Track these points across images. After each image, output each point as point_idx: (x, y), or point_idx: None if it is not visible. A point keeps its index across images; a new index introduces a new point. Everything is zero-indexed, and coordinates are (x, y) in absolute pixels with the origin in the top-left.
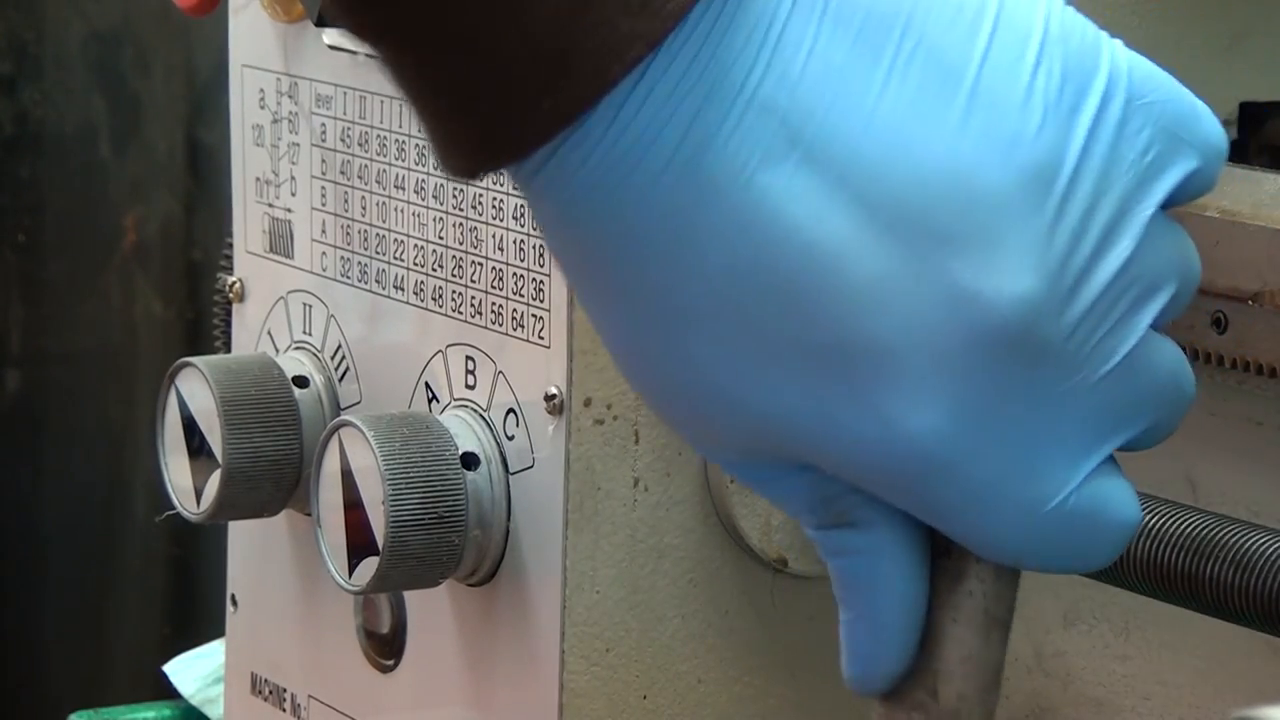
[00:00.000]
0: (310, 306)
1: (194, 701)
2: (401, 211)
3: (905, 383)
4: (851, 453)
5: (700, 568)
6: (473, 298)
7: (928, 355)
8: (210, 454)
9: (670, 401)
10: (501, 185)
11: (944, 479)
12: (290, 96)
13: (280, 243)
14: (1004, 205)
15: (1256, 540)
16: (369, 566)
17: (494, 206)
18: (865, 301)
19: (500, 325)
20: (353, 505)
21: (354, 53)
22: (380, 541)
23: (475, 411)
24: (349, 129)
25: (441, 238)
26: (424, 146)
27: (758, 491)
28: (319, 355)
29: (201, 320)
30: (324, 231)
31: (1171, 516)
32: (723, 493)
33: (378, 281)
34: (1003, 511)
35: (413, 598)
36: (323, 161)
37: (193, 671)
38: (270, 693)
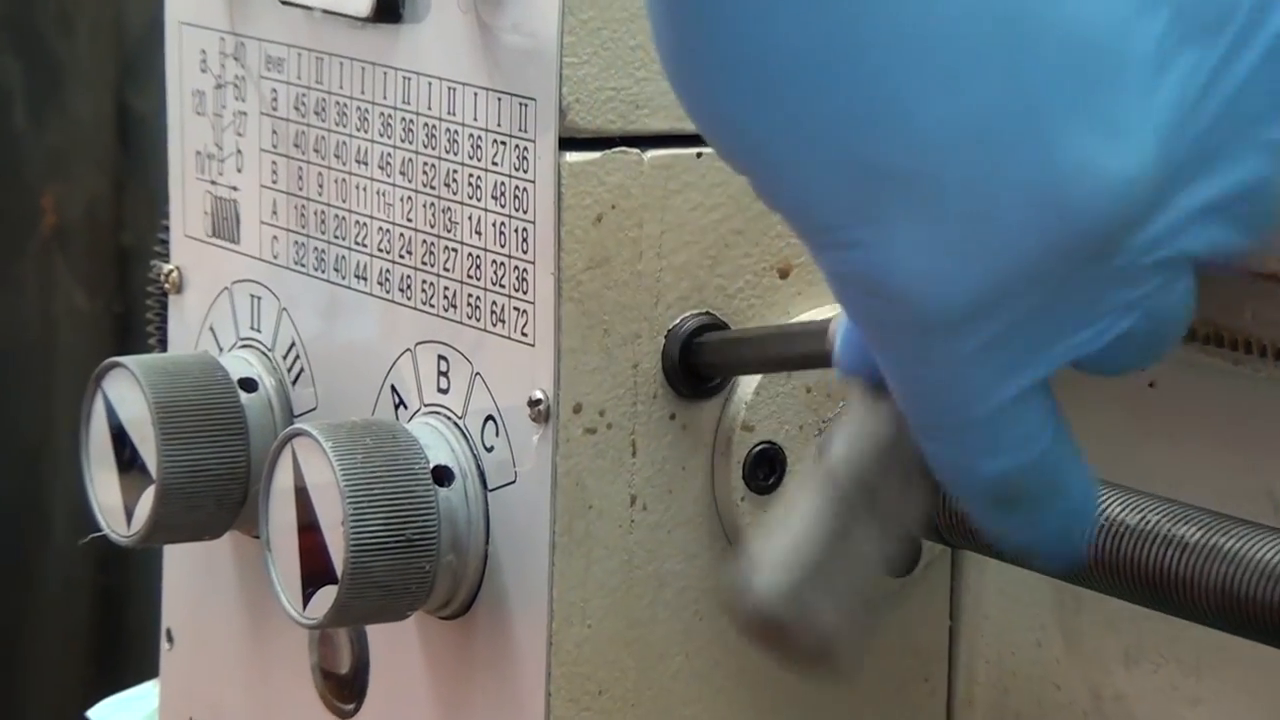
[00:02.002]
0: (259, 299)
1: None
2: (364, 190)
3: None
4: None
5: (707, 598)
6: (446, 289)
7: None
8: (142, 468)
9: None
10: (479, 160)
11: (928, 331)
12: (236, 58)
13: (224, 225)
14: (1146, 84)
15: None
16: (326, 597)
17: (471, 184)
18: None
19: (477, 320)
20: (308, 527)
21: (309, 8)
22: (339, 568)
23: (449, 419)
24: (304, 95)
25: (410, 220)
26: (390, 115)
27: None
28: (269, 355)
29: (132, 314)
30: (275, 213)
31: (1167, 514)
32: (732, 512)
33: (336, 270)
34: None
35: (376, 633)
36: (273, 133)
37: (121, 718)
38: None
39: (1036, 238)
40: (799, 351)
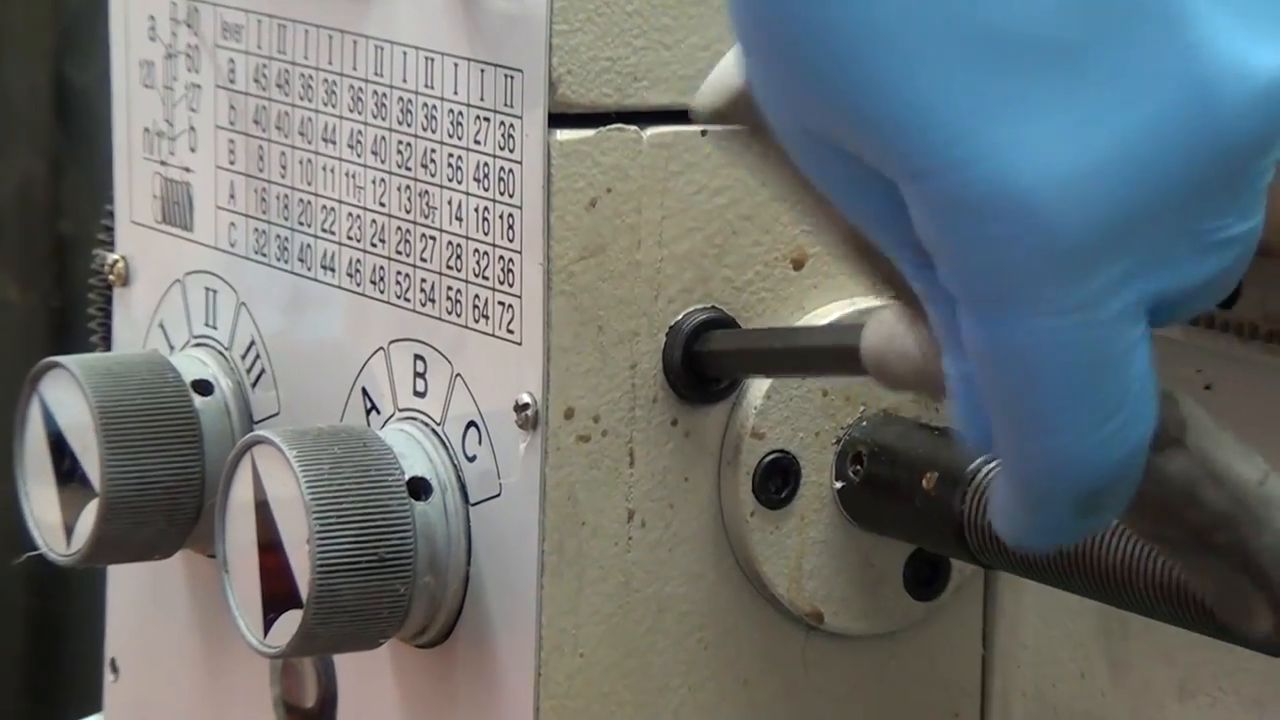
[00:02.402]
0: (215, 292)
1: None
2: (332, 172)
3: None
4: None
5: (712, 624)
6: (423, 281)
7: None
8: (84, 480)
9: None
10: (460, 138)
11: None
12: (188, 25)
13: (176, 211)
14: None
15: None
16: (290, 623)
17: (450, 165)
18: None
19: (458, 316)
20: (269, 545)
21: None
22: (304, 591)
23: (426, 425)
24: (264, 66)
25: (383, 205)
26: (360, 88)
27: (836, 196)
28: (226, 354)
29: (72, 309)
30: (232, 197)
31: None
32: (740, 528)
33: (301, 260)
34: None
35: (346, 662)
36: (231, 108)
37: None
38: None
39: (1184, 143)
40: (824, 348)
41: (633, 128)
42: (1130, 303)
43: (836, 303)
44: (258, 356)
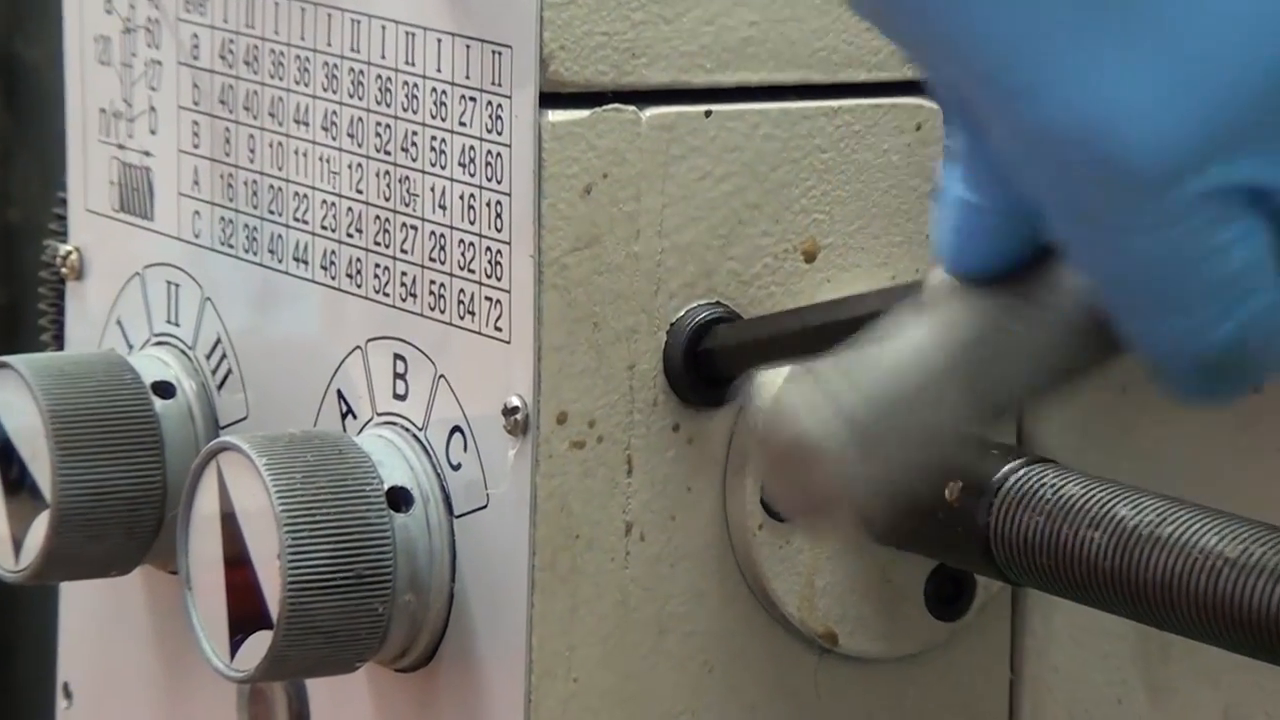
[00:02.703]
0: (177, 286)
1: None
2: (305, 156)
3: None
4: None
5: (718, 646)
6: (403, 274)
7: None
8: (34, 489)
9: None
10: (444, 121)
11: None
12: None
13: (135, 198)
14: None
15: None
16: (258, 645)
17: (433, 149)
18: None
19: (441, 312)
20: (236, 560)
21: None
22: (274, 610)
23: (407, 431)
24: (231, 41)
25: (360, 192)
26: (335, 66)
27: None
28: (189, 353)
29: (20, 305)
30: (196, 183)
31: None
32: (748, 542)
33: (271, 252)
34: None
35: (320, 688)
36: (195, 86)
37: None
38: None
39: (1262, 65)
40: (850, 318)
41: (631, 108)
42: (1233, 203)
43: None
44: (224, 356)
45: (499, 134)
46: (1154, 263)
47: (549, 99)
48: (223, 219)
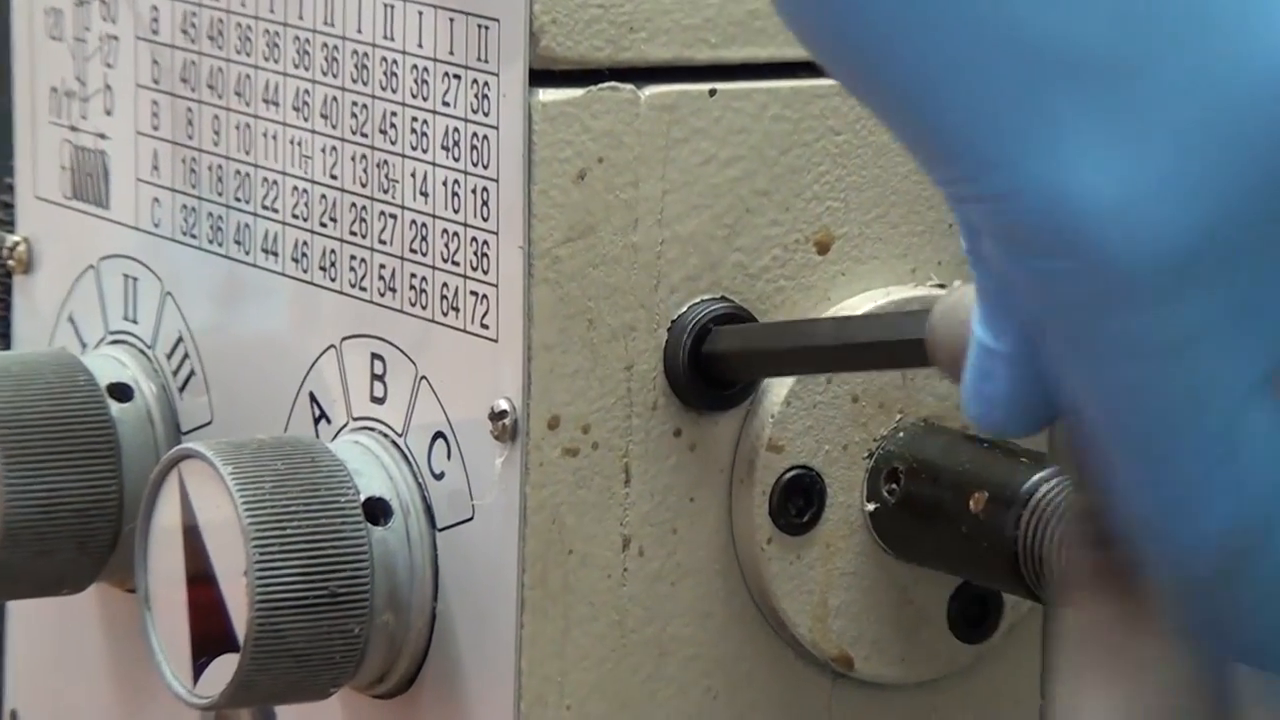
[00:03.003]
0: (135, 280)
1: None
2: (274, 138)
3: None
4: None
5: (722, 670)
6: (382, 267)
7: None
8: None
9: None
10: (425, 100)
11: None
12: None
13: (89, 185)
14: None
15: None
16: (224, 669)
17: (414, 131)
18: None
19: (423, 307)
20: (200, 577)
21: None
22: (241, 631)
23: (385, 437)
24: (193, 14)
25: (335, 177)
26: (308, 41)
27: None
28: (148, 353)
29: None
30: (156, 168)
31: None
32: (756, 558)
33: (238, 243)
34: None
35: (290, 715)
36: (154, 63)
37: None
38: None
39: (1265, 138)
40: (869, 344)
41: (628, 86)
42: (1242, 332)
43: (868, 292)
44: (186, 356)
45: (485, 115)
46: (1157, 394)
47: (539, 77)
48: (185, 207)
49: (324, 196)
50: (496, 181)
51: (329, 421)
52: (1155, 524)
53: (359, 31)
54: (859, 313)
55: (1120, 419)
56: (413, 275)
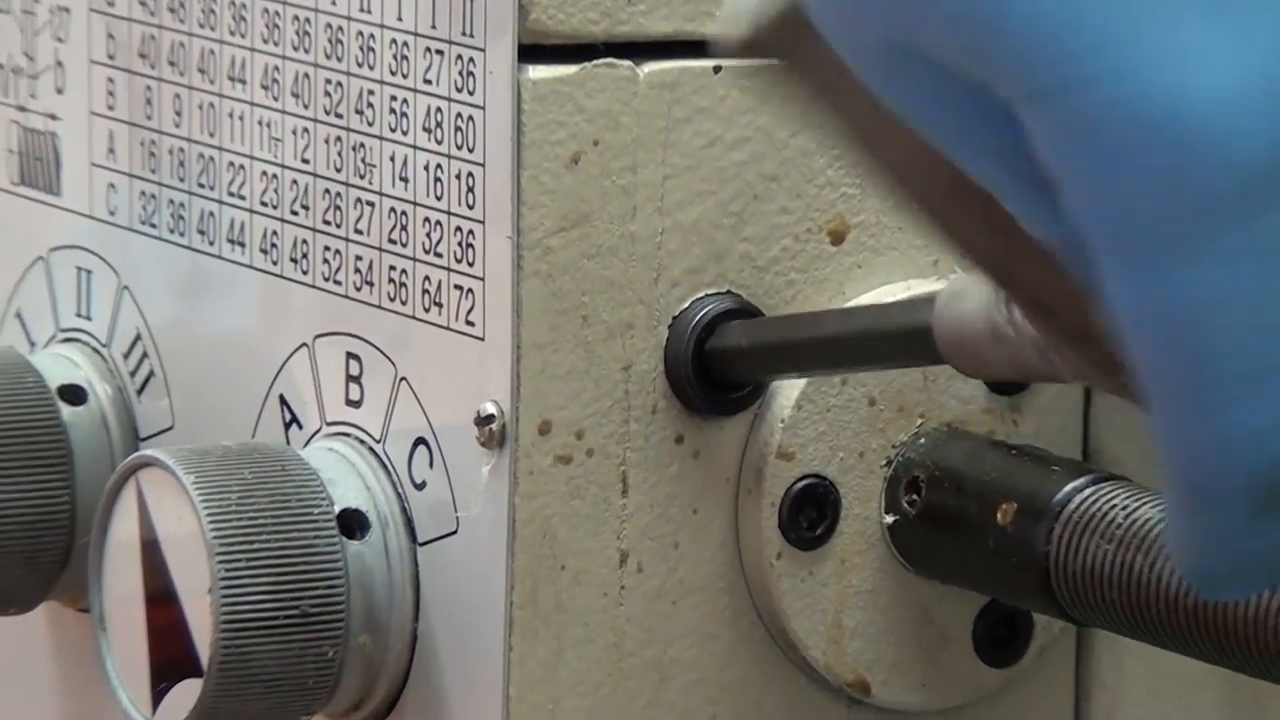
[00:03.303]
0: (89, 273)
1: None
2: (242, 119)
3: None
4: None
5: (728, 697)
6: (358, 259)
7: None
8: None
9: None
10: (406, 78)
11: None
12: None
13: (38, 170)
14: None
15: None
16: (186, 695)
17: (394, 110)
18: None
19: (403, 303)
20: (161, 596)
21: None
22: (205, 655)
23: (362, 444)
24: None
25: (307, 161)
26: (278, 13)
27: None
28: (103, 352)
29: None
30: (112, 151)
31: None
32: (764, 574)
33: (201, 232)
34: None
35: None
36: (110, 37)
37: None
38: None
39: None
40: (878, 332)
41: (626, 63)
42: None
43: (886, 286)
44: (145, 355)
45: (470, 93)
46: (1236, 306)
47: (529, 52)
48: (143, 194)
49: (295, 182)
50: (482, 166)
51: (300, 426)
52: (1212, 455)
53: (333, 3)
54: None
55: (1195, 337)
56: (391, 268)
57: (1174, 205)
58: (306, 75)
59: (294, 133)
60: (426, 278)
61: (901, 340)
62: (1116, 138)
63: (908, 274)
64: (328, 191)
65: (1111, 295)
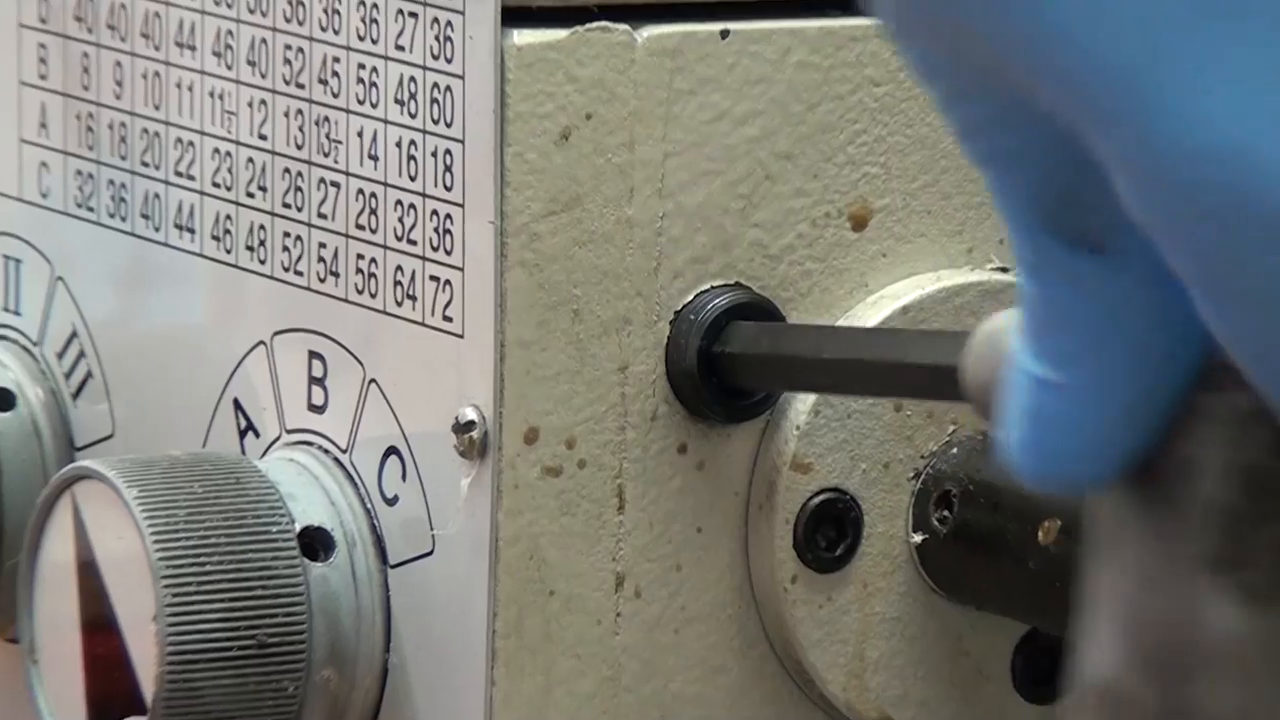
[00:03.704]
0: (19, 263)
1: None
2: (190, 89)
3: None
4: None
5: None
6: (322, 246)
7: None
8: None
9: None
10: (376, 44)
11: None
12: None
13: None
14: None
15: None
16: None
17: (362, 80)
18: None
19: (373, 295)
20: (98, 624)
21: None
22: (149, 690)
23: (327, 454)
24: None
25: (265, 137)
26: None
27: (970, 143)
28: (34, 351)
29: None
30: (44, 125)
31: None
32: (777, 600)
33: (145, 217)
34: None
35: None
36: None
37: None
38: None
39: None
40: (904, 365)
41: (622, 27)
42: None
43: (914, 278)
44: (81, 354)
45: (448, 61)
46: None
47: (514, 15)
48: (80, 173)
49: (251, 161)
50: (462, 143)
51: (257, 435)
52: None
53: None
54: (903, 303)
55: None
56: (359, 256)
57: (1243, 250)
58: (264, 41)
59: (250, 105)
60: (399, 267)
61: (931, 378)
62: (1166, 182)
63: (937, 264)
64: (287, 171)
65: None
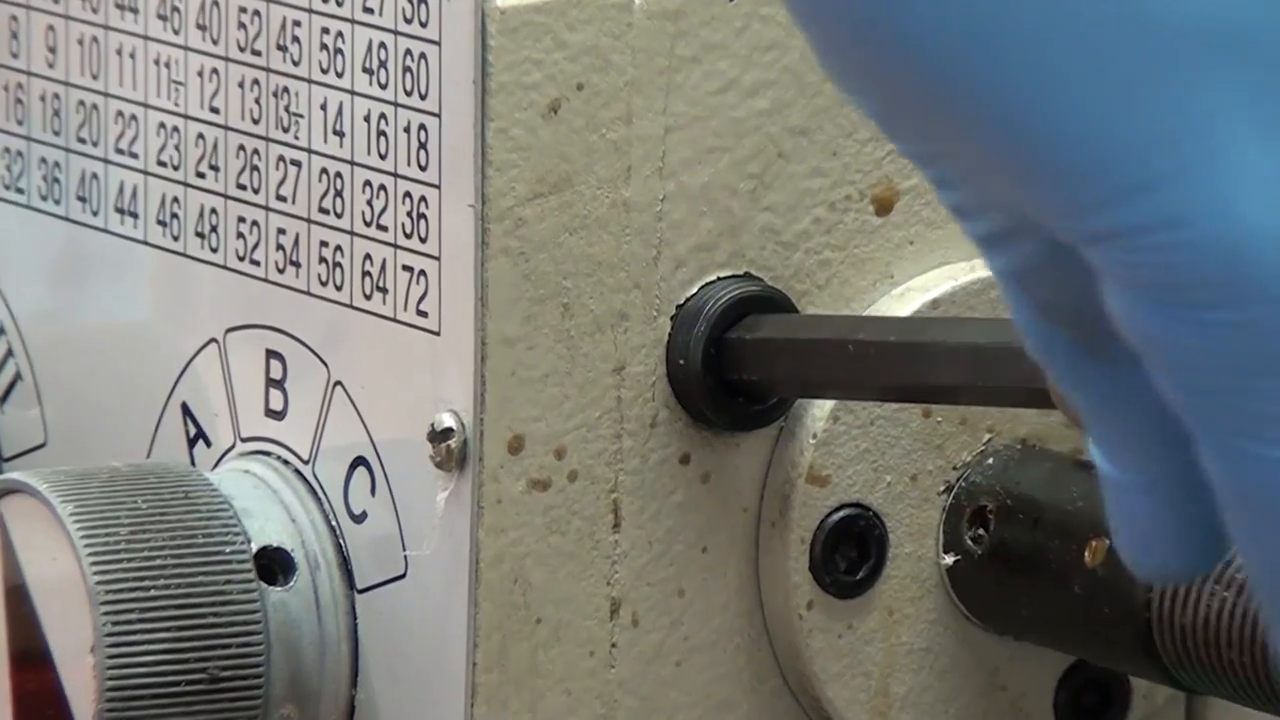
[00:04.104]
0: None
1: None
2: (133, 57)
3: None
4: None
5: None
6: (281, 232)
7: None
8: None
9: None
10: (341, 6)
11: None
12: None
13: None
14: None
15: None
16: None
17: (325, 46)
18: None
19: (338, 288)
20: (29, 655)
21: None
22: None
23: (286, 465)
24: None
25: (216, 110)
26: None
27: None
28: None
29: None
30: None
31: None
32: (792, 628)
33: (82, 199)
34: None
35: None
36: None
37: None
38: None
39: None
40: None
41: None
42: None
43: (945, 268)
44: (9, 354)
45: (422, 25)
46: None
47: None
48: (7, 150)
49: (201, 137)
50: (438, 117)
51: (209, 443)
52: None
53: None
54: (933, 296)
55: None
56: (323, 244)
57: (1252, 376)
58: (215, 2)
59: (199, 74)
60: (367, 256)
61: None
62: (1177, 295)
63: (970, 252)
64: (242, 148)
65: (1206, 467)
